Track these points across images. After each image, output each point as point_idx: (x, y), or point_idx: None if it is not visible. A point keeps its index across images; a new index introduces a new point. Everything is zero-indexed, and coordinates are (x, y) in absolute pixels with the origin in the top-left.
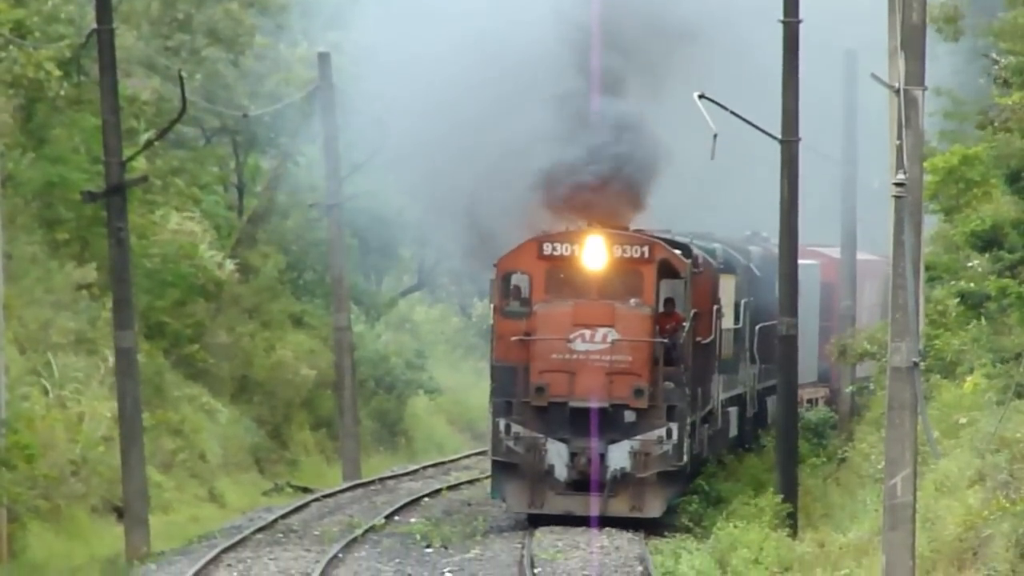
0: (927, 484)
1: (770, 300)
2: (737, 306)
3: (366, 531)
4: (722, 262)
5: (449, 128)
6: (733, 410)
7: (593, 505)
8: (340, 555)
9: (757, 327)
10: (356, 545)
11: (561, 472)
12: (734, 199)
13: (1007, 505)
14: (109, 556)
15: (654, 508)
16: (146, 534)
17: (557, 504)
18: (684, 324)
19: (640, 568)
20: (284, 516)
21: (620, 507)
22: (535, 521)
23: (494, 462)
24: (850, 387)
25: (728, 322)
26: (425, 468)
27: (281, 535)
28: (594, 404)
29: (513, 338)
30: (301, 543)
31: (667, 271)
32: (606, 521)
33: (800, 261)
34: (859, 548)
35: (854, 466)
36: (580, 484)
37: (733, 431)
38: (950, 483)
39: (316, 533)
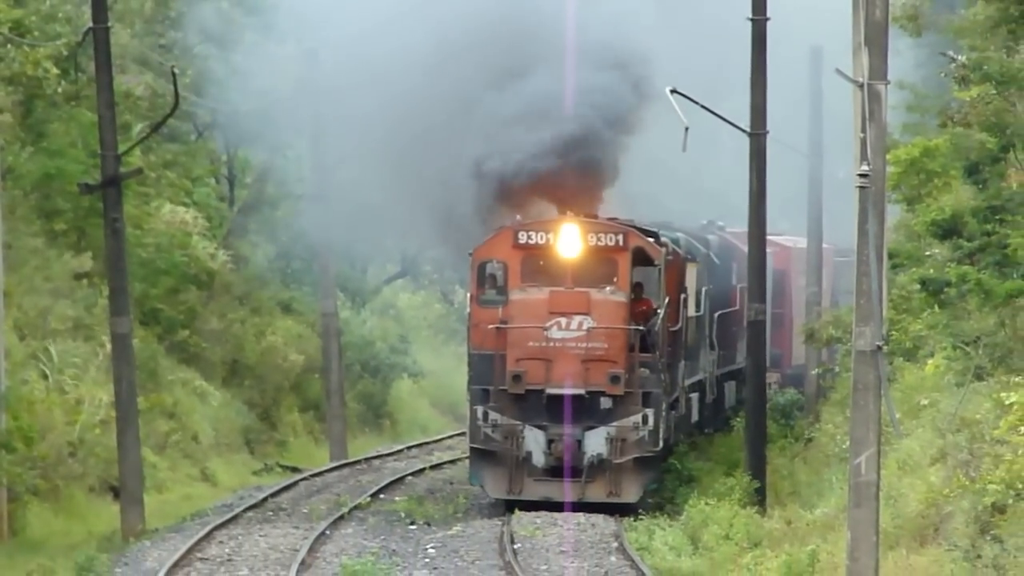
0: (890, 463)
1: (727, 288)
2: (699, 294)
3: (352, 509)
4: (686, 251)
5: (416, 114)
6: (695, 396)
7: (569, 490)
8: (327, 532)
9: (716, 314)
10: (343, 522)
11: (539, 458)
12: (691, 188)
13: (967, 483)
14: (106, 533)
15: (631, 493)
16: (141, 512)
17: (535, 490)
18: (658, 311)
19: (616, 544)
20: (274, 495)
21: (597, 493)
22: (513, 506)
23: (472, 449)
24: (816, 370)
25: (691, 310)
26: (409, 448)
27: (271, 513)
28: (570, 391)
29: (490, 326)
30: (290, 520)
31: (641, 258)
32: (583, 507)
33: None
34: (825, 524)
35: (820, 446)
36: (558, 470)
37: (695, 416)
38: (912, 462)
39: (304, 511)
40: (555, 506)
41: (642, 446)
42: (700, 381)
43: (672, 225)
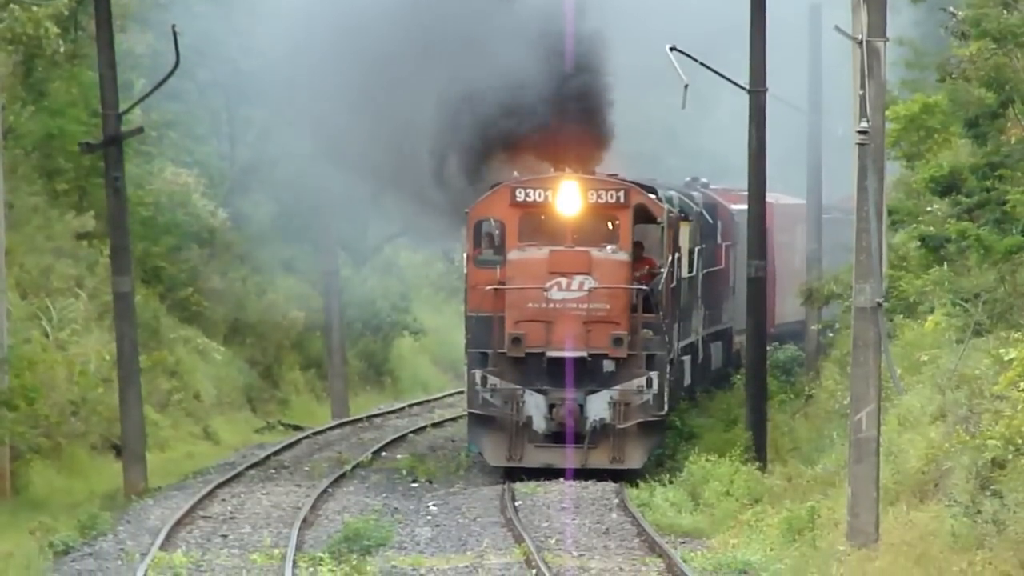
0: (890, 419)
1: (712, 247)
2: (691, 253)
3: (354, 467)
4: (679, 209)
5: (408, 74)
6: (687, 359)
7: (571, 457)
8: (329, 490)
9: (703, 273)
10: (345, 480)
11: (540, 424)
12: (677, 143)
13: (967, 439)
14: (108, 492)
15: (635, 459)
16: (144, 470)
17: (536, 457)
18: (661, 270)
19: (616, 501)
20: (276, 453)
21: (601, 458)
22: (513, 474)
23: (470, 415)
24: (816, 325)
25: (684, 270)
26: (410, 406)
27: (273, 471)
28: (571, 354)
29: (487, 288)
30: (292, 478)
31: (643, 216)
32: (586, 474)
33: (734, 207)
34: (826, 480)
35: (821, 402)
36: (559, 436)
37: (687, 380)
38: (912, 418)
39: (306, 469)
40: (557, 473)
41: (647, 410)
42: (692, 343)
43: (656, 182)
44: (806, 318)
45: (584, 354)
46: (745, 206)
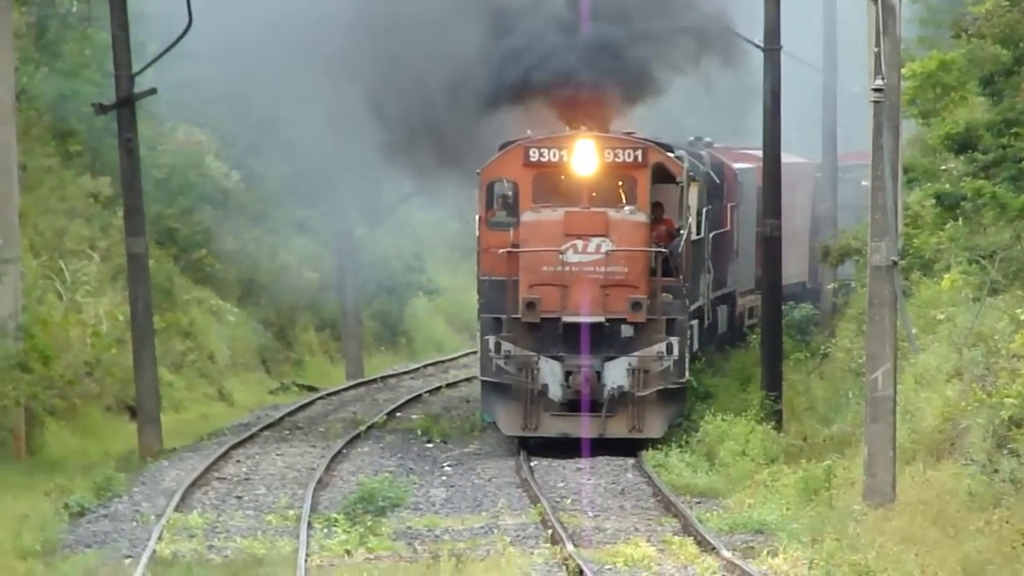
0: (907, 378)
1: (720, 208)
2: (699, 215)
3: (369, 427)
4: (689, 169)
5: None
6: (695, 323)
7: (588, 426)
8: (344, 450)
9: (711, 235)
10: (359, 441)
11: (556, 392)
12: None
13: (983, 397)
14: (123, 453)
15: (655, 428)
16: (158, 432)
17: (552, 426)
18: (681, 231)
19: (632, 461)
20: (290, 414)
21: (619, 428)
22: (528, 444)
23: (483, 382)
24: (831, 284)
25: (693, 232)
26: (425, 367)
27: (287, 432)
28: (588, 319)
29: (500, 251)
30: (307, 439)
31: (662, 175)
32: (603, 443)
33: (737, 165)
34: (842, 440)
35: (836, 361)
36: (576, 404)
37: (695, 345)
38: (929, 377)
39: (321, 430)
40: (574, 448)
41: (666, 377)
42: (700, 307)
43: (660, 140)
44: (808, 279)
45: (601, 319)
46: (748, 165)
